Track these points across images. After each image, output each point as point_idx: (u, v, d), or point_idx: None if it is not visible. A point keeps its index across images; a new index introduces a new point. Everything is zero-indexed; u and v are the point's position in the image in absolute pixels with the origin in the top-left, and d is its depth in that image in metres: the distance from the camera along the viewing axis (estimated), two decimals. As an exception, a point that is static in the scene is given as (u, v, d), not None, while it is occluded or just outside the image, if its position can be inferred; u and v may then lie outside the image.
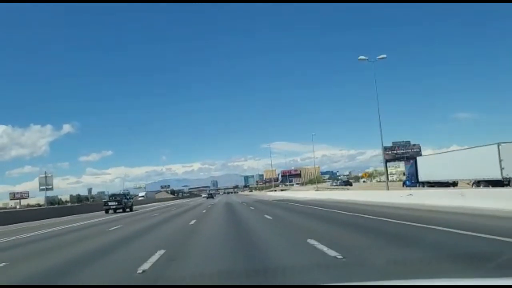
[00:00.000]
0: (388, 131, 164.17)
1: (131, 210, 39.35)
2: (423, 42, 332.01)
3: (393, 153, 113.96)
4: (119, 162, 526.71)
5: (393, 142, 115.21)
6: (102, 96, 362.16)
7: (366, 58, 34.23)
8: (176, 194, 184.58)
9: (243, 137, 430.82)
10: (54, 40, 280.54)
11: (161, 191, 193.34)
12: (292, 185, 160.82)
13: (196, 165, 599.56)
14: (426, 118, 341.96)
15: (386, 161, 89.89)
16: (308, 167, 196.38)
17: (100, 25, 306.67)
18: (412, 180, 43.94)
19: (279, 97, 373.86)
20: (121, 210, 36.94)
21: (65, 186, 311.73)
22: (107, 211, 35.90)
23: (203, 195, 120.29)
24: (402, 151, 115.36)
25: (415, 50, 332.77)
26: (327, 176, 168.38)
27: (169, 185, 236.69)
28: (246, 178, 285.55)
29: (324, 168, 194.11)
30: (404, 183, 49.52)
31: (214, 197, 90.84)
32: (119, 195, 41.80)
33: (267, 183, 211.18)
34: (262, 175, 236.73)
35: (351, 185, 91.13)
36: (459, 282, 2.37)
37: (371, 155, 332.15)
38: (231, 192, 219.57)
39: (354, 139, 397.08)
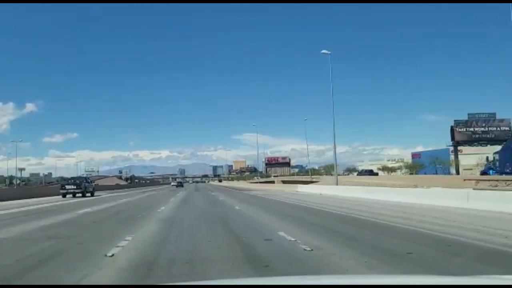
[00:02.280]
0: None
1: (92, 195, 35.99)
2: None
3: (468, 131, 75.19)
4: (84, 145, 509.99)
5: (469, 115, 76.29)
6: (69, 76, 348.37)
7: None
8: (130, 181, 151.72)
9: (214, 127, 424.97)
10: (21, 15, 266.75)
11: (108, 177, 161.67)
12: (268, 176, 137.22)
13: (165, 153, 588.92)
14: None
15: (458, 143, 75.01)
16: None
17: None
18: (507, 168, 34.88)
19: (251, 89, 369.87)
20: (80, 195, 33.35)
21: (25, 167, 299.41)
22: (64, 195, 32.56)
23: (172, 183, 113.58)
24: (482, 128, 74.79)
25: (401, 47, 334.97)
26: (296, 170, 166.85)
27: (120, 171, 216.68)
28: (215, 168, 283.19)
29: (293, 162, 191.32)
30: (485, 172, 40.53)
31: (184, 186, 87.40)
32: (79, 178, 38.22)
33: (243, 172, 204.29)
34: (231, 166, 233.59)
35: (377, 174, 75.88)
36: (459, 281, 2.34)
37: (340, 151, 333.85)
38: (199, 181, 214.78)
39: (324, 135, 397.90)
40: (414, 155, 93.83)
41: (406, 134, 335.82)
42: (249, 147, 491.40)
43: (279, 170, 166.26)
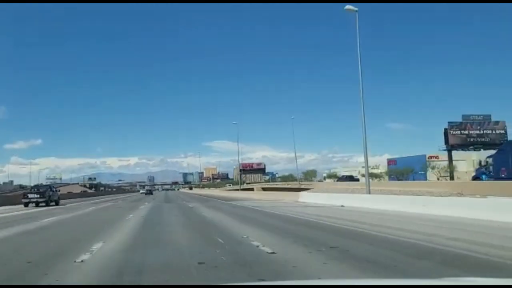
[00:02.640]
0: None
1: (57, 204, 34.44)
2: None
3: (463, 134, 68.99)
4: (49, 152, 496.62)
5: (463, 116, 70.50)
6: (34, 81, 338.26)
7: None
8: (95, 189, 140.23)
9: (184, 134, 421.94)
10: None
11: (69, 184, 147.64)
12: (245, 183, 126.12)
13: (133, 160, 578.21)
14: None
15: (452, 147, 69.64)
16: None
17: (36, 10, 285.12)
18: (503, 173, 33.28)
19: (222, 97, 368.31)
20: (44, 204, 31.93)
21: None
22: (26, 205, 31.03)
23: (141, 191, 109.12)
24: (477, 131, 68.55)
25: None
26: (267, 177, 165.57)
27: (94, 178, 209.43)
28: (185, 175, 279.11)
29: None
30: (477, 177, 38.75)
31: (153, 194, 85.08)
32: (42, 186, 36.50)
33: (215, 179, 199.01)
34: (202, 173, 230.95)
35: (358, 180, 71.71)
36: (459, 282, 2.33)
37: (308, 159, 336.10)
38: (169, 189, 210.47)
39: (296, 142, 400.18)
40: (390, 162, 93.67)
41: (373, 142, 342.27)
42: (219, 154, 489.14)
43: (252, 177, 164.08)
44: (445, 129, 67.77)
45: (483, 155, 46.59)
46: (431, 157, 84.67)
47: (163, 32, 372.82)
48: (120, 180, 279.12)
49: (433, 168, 66.74)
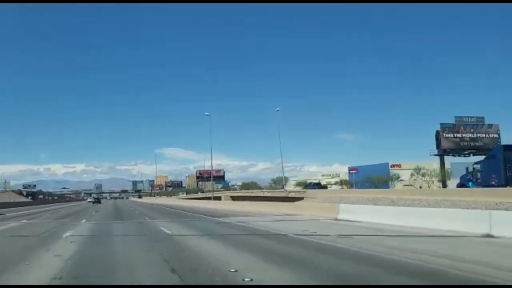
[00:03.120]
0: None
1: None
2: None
3: (456, 137, 62.02)
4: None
5: (456, 118, 63.46)
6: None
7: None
8: (32, 198, 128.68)
9: (134, 141, 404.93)
10: None
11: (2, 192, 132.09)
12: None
13: (80, 167, 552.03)
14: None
15: (444, 152, 63.31)
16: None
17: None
18: (493, 181, 31.71)
19: (176, 104, 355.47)
20: None
21: None
22: None
23: (88, 200, 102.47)
24: (470, 134, 61.85)
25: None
26: (220, 186, 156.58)
27: (34, 185, 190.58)
28: (135, 183, 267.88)
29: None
30: (463, 184, 37.19)
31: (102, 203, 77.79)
32: None
33: (168, 187, 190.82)
34: (153, 181, 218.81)
35: (326, 188, 75.62)
36: None
37: (261, 168, 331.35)
38: (118, 197, 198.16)
39: (247, 152, 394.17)
40: (351, 170, 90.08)
41: (323, 152, 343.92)
42: (172, 161, 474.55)
43: (207, 185, 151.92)
44: (437, 132, 61.66)
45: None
46: (393, 165, 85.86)
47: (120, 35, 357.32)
48: (64, 188, 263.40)
49: (423, 175, 60.41)
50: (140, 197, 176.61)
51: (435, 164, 64.21)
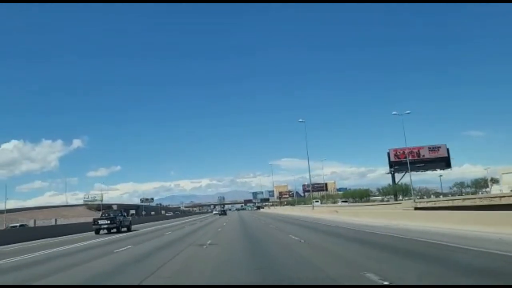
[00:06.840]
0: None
1: (129, 230, 32.79)
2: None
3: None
4: (128, 177, 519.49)
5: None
6: (111, 109, 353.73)
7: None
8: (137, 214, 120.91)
9: (252, 154, 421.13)
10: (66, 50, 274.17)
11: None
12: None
13: (205, 181, 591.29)
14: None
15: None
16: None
17: (114, 32, 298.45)
18: None
19: (288, 114, 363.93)
20: (115, 230, 30.26)
21: (74, 202, 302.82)
22: (97, 232, 29.62)
23: (214, 212, 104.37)
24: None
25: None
26: (341, 193, 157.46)
27: (152, 199, 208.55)
28: (255, 194, 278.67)
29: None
30: None
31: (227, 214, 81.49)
32: (113, 211, 35.03)
33: (290, 197, 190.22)
34: (272, 191, 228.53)
35: None
36: None
37: (380, 173, 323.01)
38: (240, 209, 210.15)
39: (363, 157, 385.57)
40: None
41: (455, 150, 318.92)
42: (287, 172, 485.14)
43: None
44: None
45: None
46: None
47: (225, 51, 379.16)
48: (191, 202, 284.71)
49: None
50: (258, 208, 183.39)
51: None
